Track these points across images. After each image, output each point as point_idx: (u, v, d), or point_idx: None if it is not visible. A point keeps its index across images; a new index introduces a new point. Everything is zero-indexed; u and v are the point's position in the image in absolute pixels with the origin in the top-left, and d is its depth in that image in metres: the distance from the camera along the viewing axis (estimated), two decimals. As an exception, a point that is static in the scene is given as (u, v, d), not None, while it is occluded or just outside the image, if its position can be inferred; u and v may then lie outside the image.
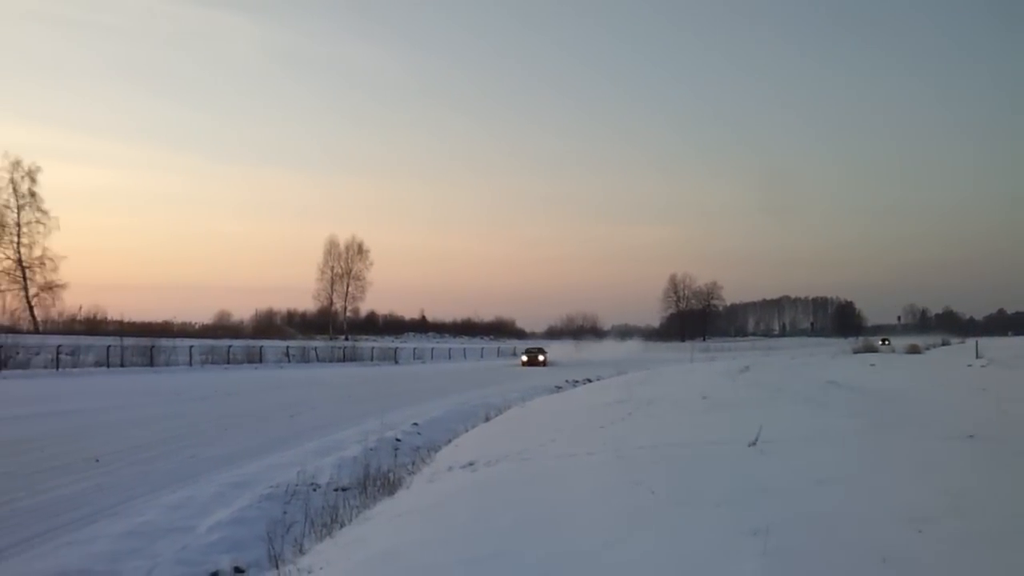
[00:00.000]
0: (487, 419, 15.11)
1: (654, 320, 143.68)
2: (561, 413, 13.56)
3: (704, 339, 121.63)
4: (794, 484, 5.58)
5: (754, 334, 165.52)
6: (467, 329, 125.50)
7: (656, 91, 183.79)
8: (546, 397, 20.86)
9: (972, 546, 4.03)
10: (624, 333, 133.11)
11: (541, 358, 53.44)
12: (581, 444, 8.62)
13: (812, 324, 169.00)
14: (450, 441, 12.42)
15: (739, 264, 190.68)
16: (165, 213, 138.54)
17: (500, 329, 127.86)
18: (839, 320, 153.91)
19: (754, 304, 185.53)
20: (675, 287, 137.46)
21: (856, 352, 50.26)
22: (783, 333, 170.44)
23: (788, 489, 5.44)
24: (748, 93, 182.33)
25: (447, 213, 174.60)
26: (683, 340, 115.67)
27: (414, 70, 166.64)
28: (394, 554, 5.08)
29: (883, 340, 78.11)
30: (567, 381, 29.68)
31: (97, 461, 11.17)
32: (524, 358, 54.65)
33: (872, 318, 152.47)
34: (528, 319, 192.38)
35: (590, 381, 28.41)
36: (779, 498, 5.18)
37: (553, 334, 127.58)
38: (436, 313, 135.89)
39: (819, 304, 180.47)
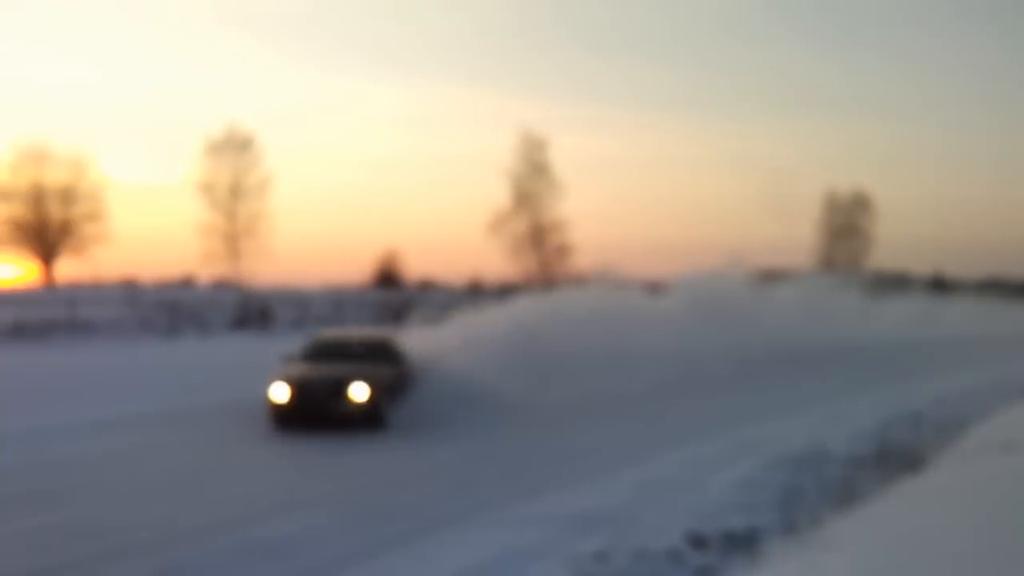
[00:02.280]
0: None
1: None
2: None
3: None
4: None
5: None
6: (993, 287, 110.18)
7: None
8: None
9: None
10: None
11: (359, 397, 10.90)
12: None
13: None
14: (983, 418, 11.02)
15: None
16: (666, 176, 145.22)
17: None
18: None
19: None
20: None
21: None
22: None
23: None
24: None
25: (966, 159, 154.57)
26: None
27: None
28: (921, 539, 4.62)
29: None
30: None
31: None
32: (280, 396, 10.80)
33: None
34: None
35: None
36: None
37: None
38: (953, 270, 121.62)
39: None
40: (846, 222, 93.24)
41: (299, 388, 10.70)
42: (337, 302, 32.73)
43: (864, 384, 15.95)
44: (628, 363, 14.58)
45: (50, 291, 38.39)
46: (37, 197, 44.90)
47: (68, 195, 45.39)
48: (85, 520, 6.32)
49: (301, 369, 11.35)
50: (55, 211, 45.60)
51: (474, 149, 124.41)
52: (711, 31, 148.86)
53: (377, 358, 11.90)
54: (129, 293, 34.50)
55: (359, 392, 10.74)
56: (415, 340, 13.36)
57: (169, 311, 29.87)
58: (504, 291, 47.80)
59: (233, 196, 48.36)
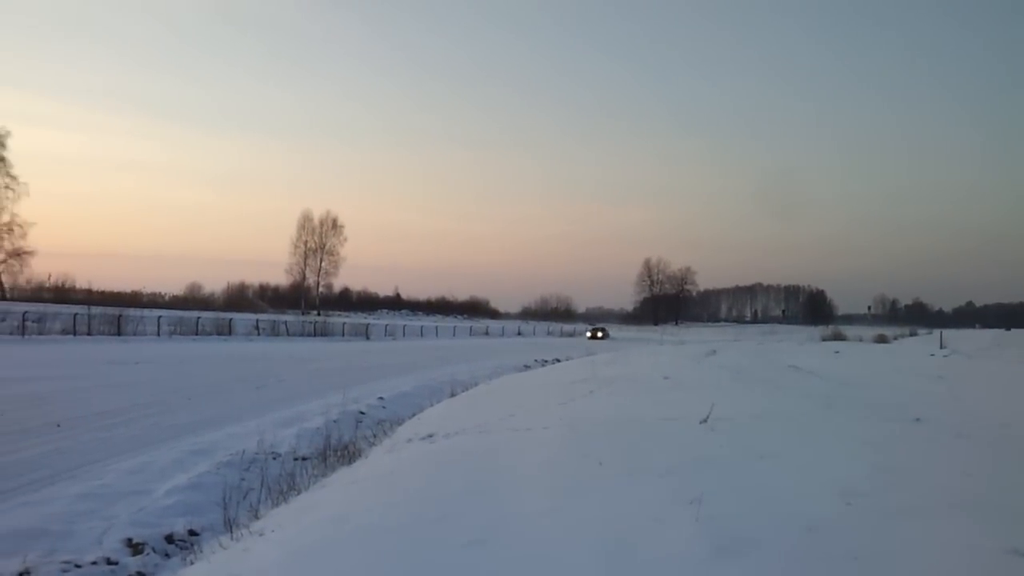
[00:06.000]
0: (453, 395, 15.23)
1: (628, 304, 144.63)
2: (524, 390, 13.71)
3: (676, 323, 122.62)
4: (736, 458, 5.75)
5: (726, 320, 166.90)
6: (441, 308, 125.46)
7: (641, 73, 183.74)
8: (513, 375, 21.03)
9: (896, 518, 4.20)
10: (597, 316, 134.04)
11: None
12: (539, 419, 8.75)
13: (783, 311, 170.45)
14: (414, 415, 12.52)
15: (714, 250, 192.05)
16: (137, 181, 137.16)
17: (474, 309, 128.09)
18: (810, 308, 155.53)
19: (727, 290, 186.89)
20: (649, 271, 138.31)
21: (824, 340, 51.08)
22: (755, 320, 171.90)
23: (730, 463, 5.60)
24: (730, 83, 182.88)
25: (424, 190, 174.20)
26: (656, 324, 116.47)
27: (396, 40, 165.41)
28: (343, 518, 5.18)
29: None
30: (536, 360, 29.87)
31: (58, 426, 11.14)
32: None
33: (843, 307, 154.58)
34: (503, 299, 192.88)
35: (559, 361, 28.63)
36: (720, 470, 5.34)
37: (527, 315, 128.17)
38: (410, 291, 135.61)
39: (791, 292, 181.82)
40: (319, 242, 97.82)
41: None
42: None
43: (318, 390, 16.90)
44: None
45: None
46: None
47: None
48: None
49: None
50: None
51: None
52: (193, 44, 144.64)
53: None
54: None
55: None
56: None
57: None
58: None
59: None
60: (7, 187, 64.88)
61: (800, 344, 42.96)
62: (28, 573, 5.28)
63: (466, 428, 8.76)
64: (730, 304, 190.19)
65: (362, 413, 13.05)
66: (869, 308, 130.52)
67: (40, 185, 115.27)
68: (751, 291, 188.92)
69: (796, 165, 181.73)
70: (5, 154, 64.84)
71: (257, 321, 53.28)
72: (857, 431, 7.23)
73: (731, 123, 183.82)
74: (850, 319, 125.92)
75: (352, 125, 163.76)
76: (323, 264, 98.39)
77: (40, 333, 36.63)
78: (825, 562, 3.57)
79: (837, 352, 27.95)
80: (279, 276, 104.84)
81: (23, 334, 35.46)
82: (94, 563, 5.65)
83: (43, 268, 77.28)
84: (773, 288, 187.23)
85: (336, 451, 9.28)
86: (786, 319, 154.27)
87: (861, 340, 47.40)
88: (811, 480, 5.02)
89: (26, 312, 37.58)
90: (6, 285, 65.04)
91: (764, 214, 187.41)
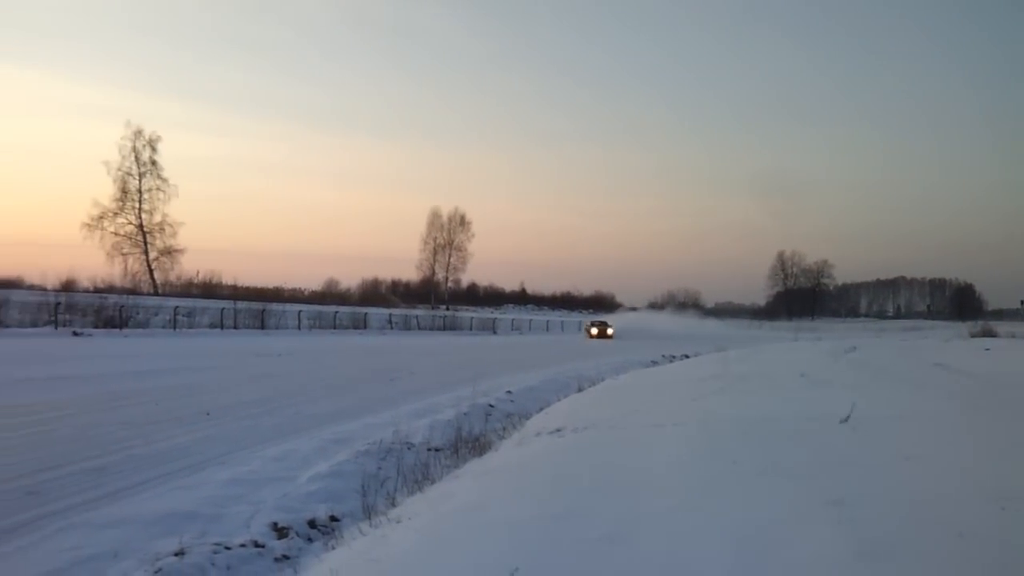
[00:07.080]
0: (580, 390, 15.23)
1: (760, 298, 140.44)
2: (652, 386, 13.57)
3: (812, 319, 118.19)
4: (879, 460, 5.51)
5: (866, 315, 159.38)
6: (566, 302, 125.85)
7: (767, 55, 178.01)
8: (640, 370, 20.84)
9: (1058, 526, 3.93)
10: (727, 311, 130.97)
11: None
12: (669, 415, 8.65)
13: (929, 307, 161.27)
14: (542, 409, 12.60)
15: (852, 242, 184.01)
16: (277, 181, 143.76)
17: (599, 303, 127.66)
18: (958, 303, 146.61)
19: (867, 284, 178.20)
20: (783, 264, 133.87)
21: (973, 336, 48.11)
22: (897, 315, 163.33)
23: (872, 464, 5.37)
24: (860, 60, 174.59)
25: (549, 186, 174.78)
26: (789, 319, 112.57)
27: (514, 39, 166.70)
28: (477, 507, 5.29)
29: None
30: (663, 356, 29.50)
31: (208, 415, 11.85)
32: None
33: (993, 302, 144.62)
34: (628, 293, 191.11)
35: (687, 357, 28.16)
36: (862, 472, 5.14)
37: (653, 309, 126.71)
38: (536, 286, 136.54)
39: (936, 286, 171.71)
40: (447, 238, 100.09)
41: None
42: None
43: (448, 383, 17.27)
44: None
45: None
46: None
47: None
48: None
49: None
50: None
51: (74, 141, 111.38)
52: (320, 51, 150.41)
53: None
54: None
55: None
56: None
57: None
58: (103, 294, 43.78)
59: None
60: (159, 189, 69.76)
61: (946, 341, 40.59)
62: (183, 553, 5.63)
63: (595, 423, 8.76)
64: (870, 299, 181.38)
65: (491, 406, 13.25)
66: (1022, 303, 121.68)
67: (189, 187, 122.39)
68: (893, 285, 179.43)
69: (937, 149, 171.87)
70: (157, 158, 69.54)
71: (390, 315, 54.98)
72: (1010, 433, 6.79)
73: (868, 112, 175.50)
74: (1001, 314, 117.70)
75: (479, 123, 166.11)
76: (451, 260, 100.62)
77: (190, 327, 39.07)
78: (978, 570, 3.39)
79: (987, 349, 26.26)
80: (410, 272, 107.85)
81: (175, 327, 37.85)
82: (242, 545, 5.97)
83: (192, 265, 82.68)
84: (917, 282, 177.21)
85: (467, 443, 9.47)
86: (931, 315, 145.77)
87: (1014, 337, 44.28)
88: (961, 483, 4.76)
89: (177, 307, 40.13)
90: (158, 281, 69.73)
91: (906, 204, 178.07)
